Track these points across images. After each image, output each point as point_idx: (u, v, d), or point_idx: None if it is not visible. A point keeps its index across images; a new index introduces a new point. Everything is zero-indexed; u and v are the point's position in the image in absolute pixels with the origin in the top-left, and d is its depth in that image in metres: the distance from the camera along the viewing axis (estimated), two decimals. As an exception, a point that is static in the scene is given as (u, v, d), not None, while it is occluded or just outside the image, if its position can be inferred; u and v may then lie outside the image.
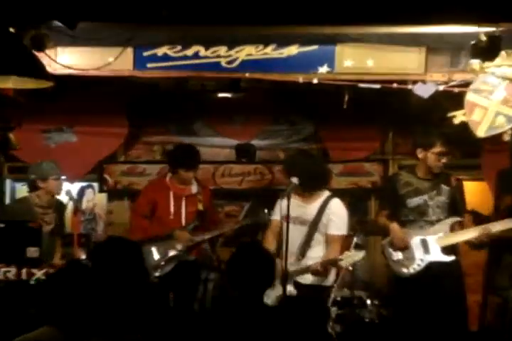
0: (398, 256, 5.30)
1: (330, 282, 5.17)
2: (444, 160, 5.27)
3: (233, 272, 3.45)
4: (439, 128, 5.46)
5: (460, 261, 5.41)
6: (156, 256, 5.78)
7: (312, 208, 5.15)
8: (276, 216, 5.28)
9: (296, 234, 5.09)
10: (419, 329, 5.14)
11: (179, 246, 5.78)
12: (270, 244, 5.14)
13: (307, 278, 5.05)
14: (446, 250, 5.23)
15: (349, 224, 5.33)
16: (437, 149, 5.24)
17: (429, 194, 5.32)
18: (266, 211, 5.87)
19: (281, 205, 5.23)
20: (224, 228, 5.98)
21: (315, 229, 5.12)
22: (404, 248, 5.26)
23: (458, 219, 5.30)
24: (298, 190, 5.15)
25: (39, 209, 5.59)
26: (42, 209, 5.60)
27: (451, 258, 5.23)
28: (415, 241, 5.26)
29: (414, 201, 5.33)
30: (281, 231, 5.19)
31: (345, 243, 5.29)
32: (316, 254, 5.07)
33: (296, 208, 5.13)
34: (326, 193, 5.22)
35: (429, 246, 5.23)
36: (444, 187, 5.32)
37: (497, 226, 5.33)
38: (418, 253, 5.24)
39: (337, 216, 5.13)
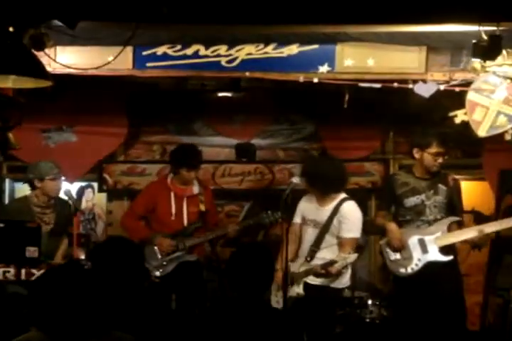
0: (396, 256, 5.29)
1: (342, 284, 5.14)
2: (440, 161, 5.26)
3: (233, 273, 3.44)
4: (438, 128, 5.45)
5: (457, 260, 5.40)
6: (158, 255, 5.77)
7: (326, 211, 5.11)
8: (297, 219, 5.24)
9: (311, 237, 5.12)
10: (419, 329, 5.13)
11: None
12: (290, 246, 4.99)
13: (315, 279, 5.02)
14: (444, 250, 5.22)
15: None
16: (433, 149, 5.24)
17: (426, 193, 5.31)
18: (269, 212, 5.87)
19: (300, 208, 5.21)
20: (226, 229, 5.94)
21: (326, 231, 5.08)
22: (402, 248, 5.25)
23: (455, 218, 5.29)
24: (316, 192, 5.14)
25: (37, 208, 5.57)
26: (40, 209, 5.58)
27: (449, 257, 5.21)
28: (413, 241, 5.25)
29: (411, 201, 5.32)
30: (300, 234, 5.20)
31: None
32: (326, 256, 5.03)
33: (313, 211, 5.15)
34: (342, 196, 5.16)
35: (426, 246, 5.22)
36: (442, 187, 5.31)
37: (497, 226, 5.33)
38: (416, 253, 5.23)
39: (348, 218, 5.06)
